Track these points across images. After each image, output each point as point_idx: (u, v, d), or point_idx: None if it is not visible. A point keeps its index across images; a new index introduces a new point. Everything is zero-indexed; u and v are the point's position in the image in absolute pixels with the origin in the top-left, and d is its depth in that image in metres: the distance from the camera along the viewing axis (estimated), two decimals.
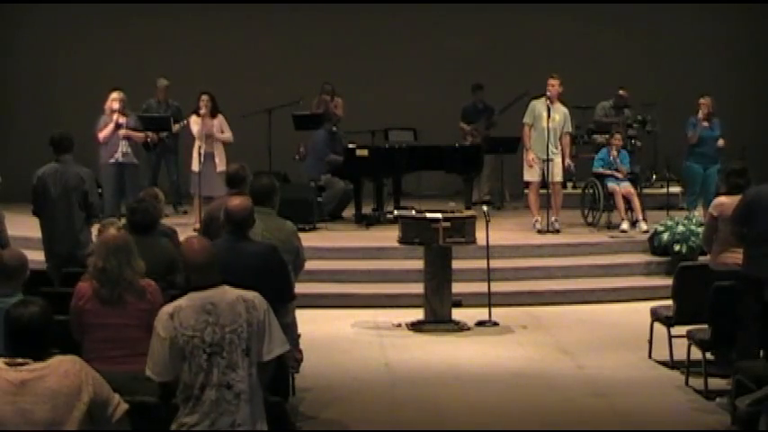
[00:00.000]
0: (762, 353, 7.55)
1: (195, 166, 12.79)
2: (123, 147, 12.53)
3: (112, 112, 12.50)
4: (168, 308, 4.85)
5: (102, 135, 12.48)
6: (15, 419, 4.22)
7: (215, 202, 9.76)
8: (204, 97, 12.92)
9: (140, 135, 12.79)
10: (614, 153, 13.38)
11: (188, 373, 4.75)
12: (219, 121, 12.97)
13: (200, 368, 4.73)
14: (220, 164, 12.69)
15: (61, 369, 4.33)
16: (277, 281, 6.18)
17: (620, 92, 14.82)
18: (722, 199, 8.38)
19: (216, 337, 4.75)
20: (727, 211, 8.10)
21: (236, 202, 6.33)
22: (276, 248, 6.48)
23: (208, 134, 12.83)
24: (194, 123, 12.95)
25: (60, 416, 4.27)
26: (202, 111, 12.85)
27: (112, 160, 12.51)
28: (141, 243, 6.52)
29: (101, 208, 10.18)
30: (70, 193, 9.09)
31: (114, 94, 12.57)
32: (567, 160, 13.16)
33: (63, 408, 4.27)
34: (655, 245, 12.04)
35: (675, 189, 14.80)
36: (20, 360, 4.29)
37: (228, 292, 4.87)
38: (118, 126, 12.48)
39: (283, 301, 6.29)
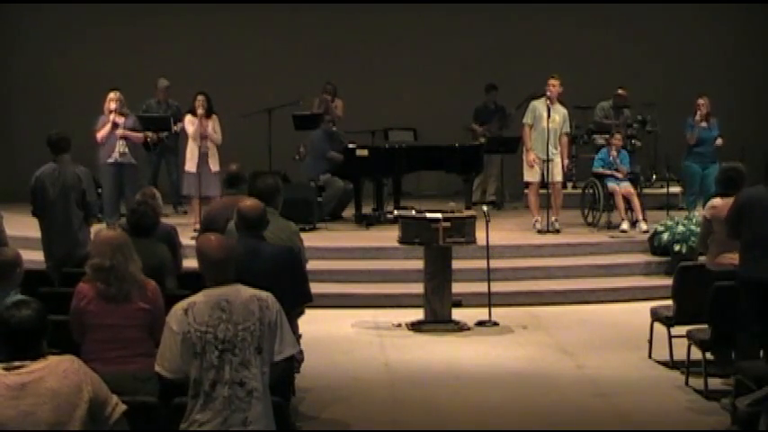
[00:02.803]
0: (762, 353, 7.55)
1: (191, 167, 12.77)
2: (120, 147, 12.51)
3: (110, 112, 12.50)
4: (183, 303, 4.86)
5: (99, 135, 12.48)
6: (18, 423, 4.20)
7: (213, 202, 9.77)
8: (200, 97, 12.91)
9: (138, 135, 12.76)
10: (614, 153, 13.38)
11: (198, 370, 4.75)
12: (214, 121, 12.98)
13: (212, 365, 4.74)
14: (214, 164, 12.71)
15: (60, 369, 4.32)
16: (295, 283, 6.14)
17: (619, 91, 14.82)
18: (715, 201, 8.38)
19: (228, 334, 4.76)
20: (720, 212, 8.10)
21: (249, 203, 6.27)
22: (293, 250, 6.45)
23: (203, 135, 12.84)
24: (190, 123, 12.94)
25: (63, 416, 4.26)
26: (199, 111, 12.85)
27: (110, 160, 12.50)
28: (137, 245, 6.52)
29: (99, 207, 10.18)
30: (68, 192, 9.07)
31: (112, 94, 12.55)
32: (566, 160, 13.18)
33: (65, 408, 4.27)
34: (655, 245, 12.03)
35: (675, 189, 14.80)
36: (17, 363, 4.28)
37: (243, 291, 4.89)
38: (115, 126, 12.47)
39: (302, 303, 6.25)
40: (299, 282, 6.20)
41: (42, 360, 4.31)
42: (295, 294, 6.03)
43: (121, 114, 12.54)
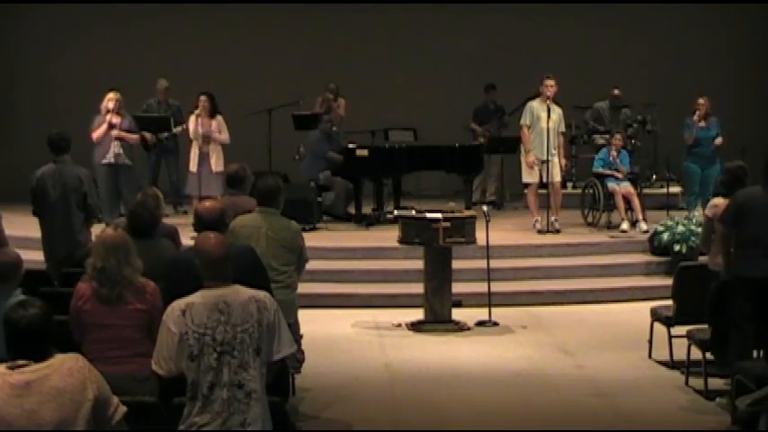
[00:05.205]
0: (760, 353, 7.56)
1: (193, 167, 12.81)
2: (115, 147, 12.51)
3: (107, 112, 12.49)
4: (180, 304, 4.84)
5: (95, 135, 12.48)
6: (23, 422, 4.19)
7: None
8: (202, 98, 12.95)
9: (133, 136, 12.74)
10: (614, 153, 13.38)
11: (196, 372, 4.74)
12: (218, 121, 13.00)
13: (210, 367, 4.74)
14: (217, 164, 12.72)
15: (65, 367, 4.30)
16: (254, 282, 6.11)
17: (615, 91, 14.80)
18: (716, 200, 8.38)
19: (227, 336, 4.75)
20: (721, 211, 8.09)
21: (207, 203, 6.28)
22: (252, 249, 6.42)
23: (205, 135, 12.86)
24: (192, 124, 12.97)
25: (68, 415, 4.25)
26: (199, 111, 12.86)
27: (104, 161, 12.50)
28: (140, 246, 6.50)
29: (99, 209, 10.17)
30: (69, 194, 9.05)
31: (110, 94, 12.56)
32: (564, 160, 13.19)
33: (69, 406, 4.26)
34: (655, 245, 12.03)
35: (675, 189, 14.81)
36: (21, 362, 4.27)
37: (241, 292, 4.88)
38: (111, 126, 12.46)
39: None
40: (260, 281, 6.14)
41: (48, 359, 4.31)
42: None
43: (118, 115, 12.53)
